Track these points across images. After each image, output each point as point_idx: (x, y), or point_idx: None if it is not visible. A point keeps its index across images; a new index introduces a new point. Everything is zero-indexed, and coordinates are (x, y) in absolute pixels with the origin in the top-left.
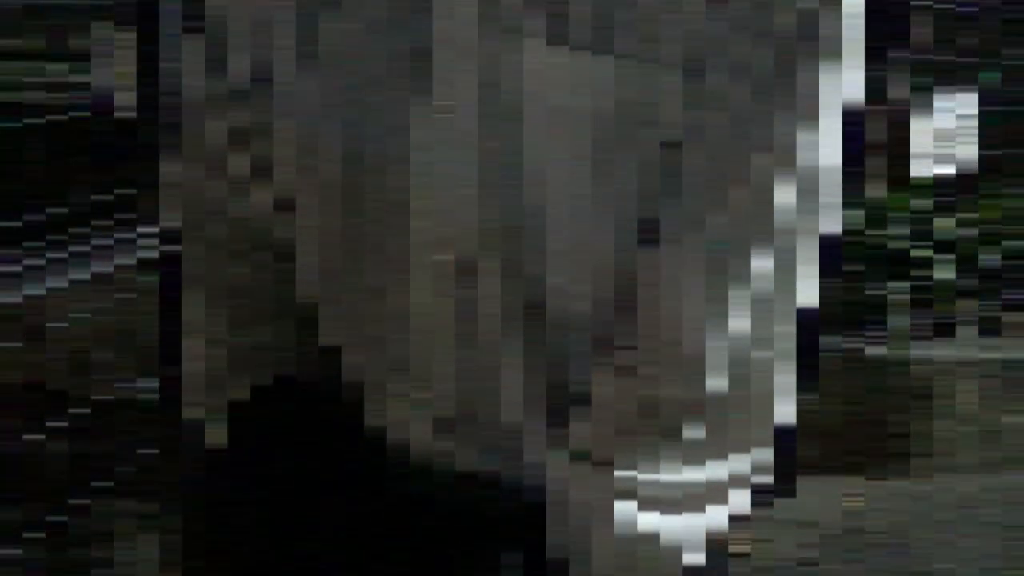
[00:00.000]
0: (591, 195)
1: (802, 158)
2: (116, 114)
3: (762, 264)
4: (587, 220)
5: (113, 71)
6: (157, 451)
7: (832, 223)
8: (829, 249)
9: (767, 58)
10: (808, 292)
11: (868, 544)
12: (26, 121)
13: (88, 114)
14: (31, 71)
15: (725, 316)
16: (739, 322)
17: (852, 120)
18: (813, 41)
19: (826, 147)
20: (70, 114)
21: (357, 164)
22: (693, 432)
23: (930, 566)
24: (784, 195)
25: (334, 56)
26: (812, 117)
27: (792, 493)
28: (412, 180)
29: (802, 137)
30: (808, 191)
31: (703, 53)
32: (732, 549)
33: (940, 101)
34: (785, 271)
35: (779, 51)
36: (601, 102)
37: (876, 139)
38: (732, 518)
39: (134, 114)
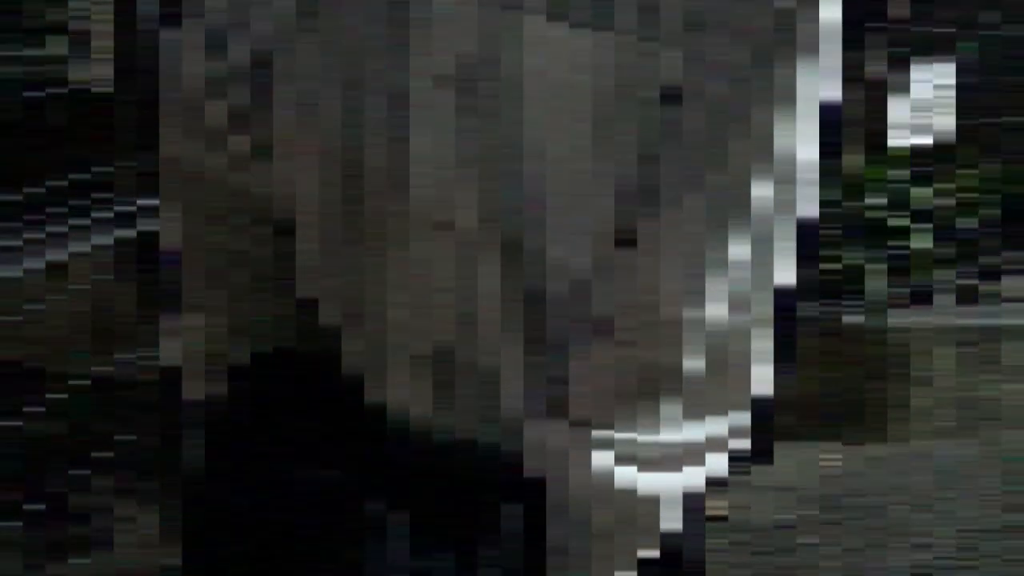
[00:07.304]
0: (590, 169)
1: (781, 145)
2: (93, 89)
3: (740, 243)
4: (585, 194)
5: (90, 46)
6: (157, 428)
7: (809, 205)
8: (806, 230)
9: (762, 37)
10: (786, 269)
11: (845, 508)
12: (3, 99)
13: (65, 90)
14: (6, 46)
15: (717, 288)
16: (721, 298)
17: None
18: (813, 16)
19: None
20: (47, 90)
21: (357, 142)
22: (677, 397)
23: (907, 530)
24: (762, 182)
25: (333, 33)
26: (792, 103)
27: (770, 459)
28: (412, 156)
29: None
30: (787, 172)
31: (702, 28)
32: (709, 513)
33: (917, 72)
34: (764, 247)
35: (778, 22)
36: (600, 78)
37: (854, 110)
38: (710, 482)
39: (111, 89)
